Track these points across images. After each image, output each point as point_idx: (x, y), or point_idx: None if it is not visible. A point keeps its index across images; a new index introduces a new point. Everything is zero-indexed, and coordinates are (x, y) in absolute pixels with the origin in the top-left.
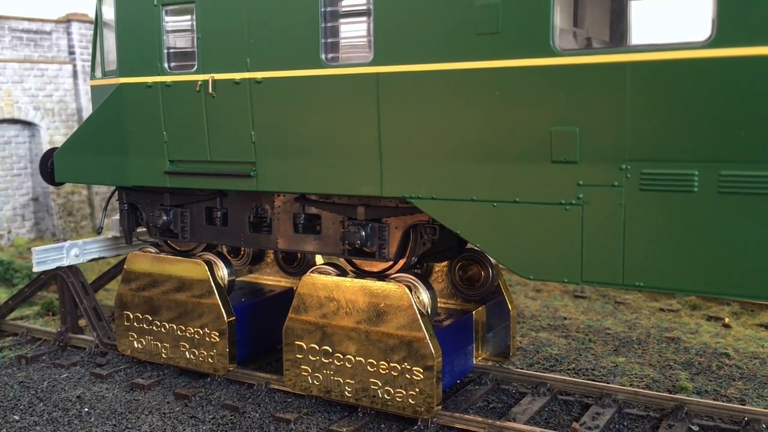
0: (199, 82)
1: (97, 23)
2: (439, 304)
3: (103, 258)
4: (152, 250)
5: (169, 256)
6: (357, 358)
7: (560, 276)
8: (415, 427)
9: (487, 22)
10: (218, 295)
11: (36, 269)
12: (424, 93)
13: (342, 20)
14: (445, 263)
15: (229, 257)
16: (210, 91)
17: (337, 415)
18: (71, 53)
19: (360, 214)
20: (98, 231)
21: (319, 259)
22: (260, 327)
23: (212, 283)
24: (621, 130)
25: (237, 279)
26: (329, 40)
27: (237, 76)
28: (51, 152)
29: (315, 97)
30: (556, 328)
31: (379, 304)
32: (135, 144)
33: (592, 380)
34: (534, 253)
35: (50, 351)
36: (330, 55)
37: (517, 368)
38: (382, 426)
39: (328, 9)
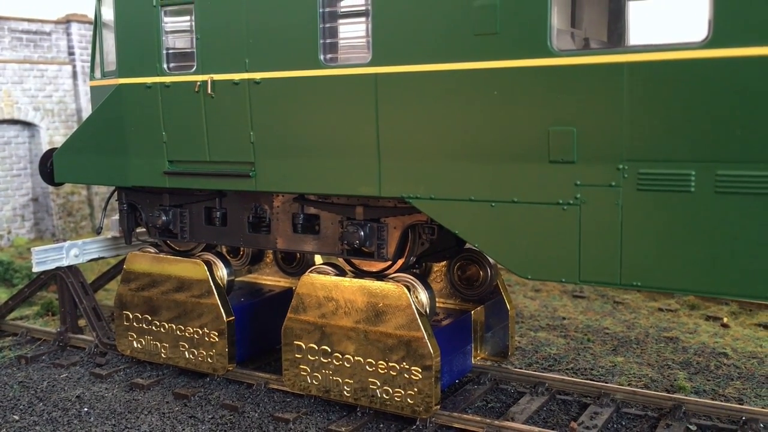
0: (198, 83)
1: (97, 24)
2: (437, 304)
3: (102, 258)
4: (152, 251)
5: (169, 257)
6: (356, 358)
7: (558, 276)
8: (414, 426)
9: (485, 23)
10: (217, 295)
11: (36, 269)
12: (422, 93)
13: (341, 21)
14: (444, 263)
15: (228, 257)
16: (209, 91)
17: (336, 414)
18: (71, 54)
19: (359, 214)
20: (98, 231)
21: (318, 259)
22: (259, 327)
23: (211, 283)
24: (618, 131)
25: (236, 279)
26: (328, 41)
27: (236, 76)
28: (50, 152)
29: (314, 98)
30: (554, 327)
31: (377, 303)
32: (134, 144)
33: (591, 380)
34: (532, 253)
35: (50, 351)
36: (329, 56)
37: (515, 368)
38: (381, 426)
39: (327, 10)
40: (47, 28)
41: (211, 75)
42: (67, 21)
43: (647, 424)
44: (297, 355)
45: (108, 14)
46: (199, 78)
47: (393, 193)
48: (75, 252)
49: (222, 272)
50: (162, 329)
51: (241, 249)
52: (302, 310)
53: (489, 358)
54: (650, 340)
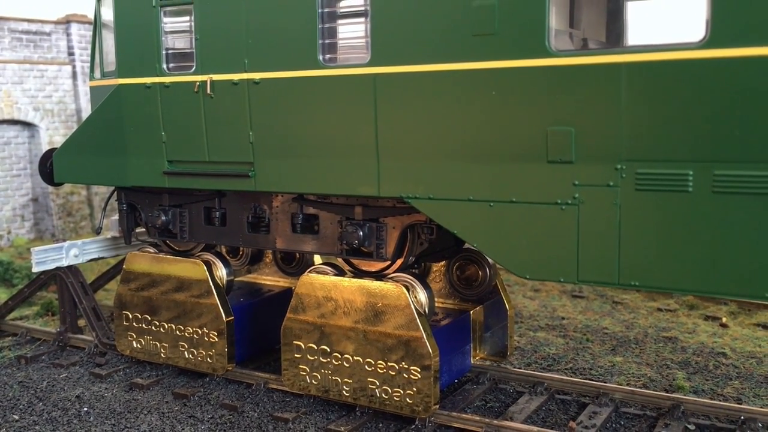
0: (198, 83)
1: (96, 24)
2: (436, 304)
3: (102, 258)
4: (151, 251)
5: (168, 257)
6: (355, 358)
7: (556, 275)
8: (413, 426)
9: (483, 23)
10: (217, 295)
11: (35, 269)
12: (421, 94)
13: (340, 21)
14: (443, 263)
15: (227, 257)
16: (208, 91)
17: (335, 414)
18: (71, 54)
19: (358, 214)
20: (97, 231)
21: (317, 259)
22: (259, 327)
23: (211, 283)
24: (616, 131)
25: (236, 279)
26: (327, 41)
27: (235, 76)
28: (50, 153)
29: (313, 98)
30: (554, 327)
31: (376, 303)
32: (134, 144)
33: (590, 380)
34: (530, 253)
35: (50, 351)
36: (328, 56)
37: (514, 368)
38: (380, 425)
39: (326, 10)
40: (47, 28)
41: (211, 75)
42: (66, 21)
43: (646, 424)
44: (296, 355)
45: (108, 15)
46: (199, 78)
47: (392, 193)
48: (75, 252)
49: (221, 272)
50: (161, 329)
51: (241, 249)
52: (301, 310)
53: (488, 357)
54: (649, 339)
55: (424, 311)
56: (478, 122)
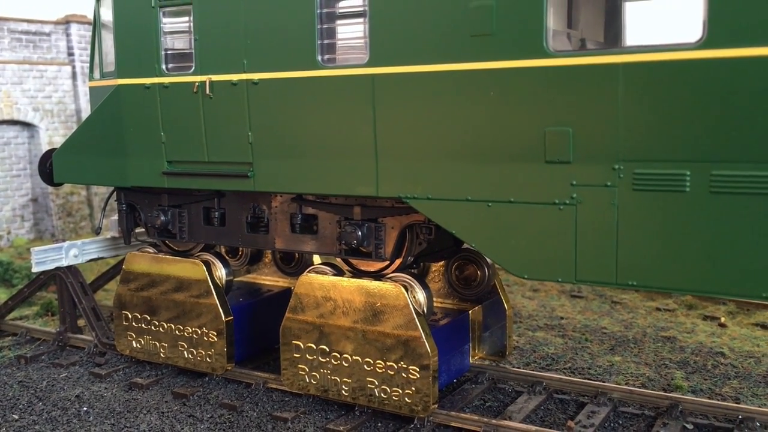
0: (197, 84)
1: (96, 25)
2: (435, 304)
3: (101, 258)
4: (151, 251)
5: (168, 257)
6: (354, 358)
7: (554, 275)
8: (412, 425)
9: (481, 24)
10: (216, 295)
11: (35, 269)
12: (419, 94)
13: (338, 22)
14: (442, 263)
15: (227, 257)
16: (207, 92)
17: (334, 413)
18: (70, 54)
19: (356, 214)
20: (97, 231)
21: (316, 259)
22: (258, 327)
23: (210, 283)
24: (614, 131)
25: (235, 279)
26: (325, 42)
27: (234, 77)
28: (50, 153)
29: (311, 98)
30: (552, 327)
31: (375, 303)
32: (133, 145)
33: (588, 379)
34: (529, 253)
35: (49, 351)
36: (326, 57)
37: (513, 367)
38: (379, 425)
39: (325, 11)
40: (47, 28)
41: (210, 76)
42: (66, 22)
43: (644, 423)
44: (295, 355)
45: (107, 15)
46: (198, 79)
47: (390, 193)
48: (74, 252)
49: (221, 272)
50: (161, 329)
51: (240, 249)
52: (300, 310)
53: (487, 357)
54: (648, 339)
55: (423, 311)
56: (476, 122)
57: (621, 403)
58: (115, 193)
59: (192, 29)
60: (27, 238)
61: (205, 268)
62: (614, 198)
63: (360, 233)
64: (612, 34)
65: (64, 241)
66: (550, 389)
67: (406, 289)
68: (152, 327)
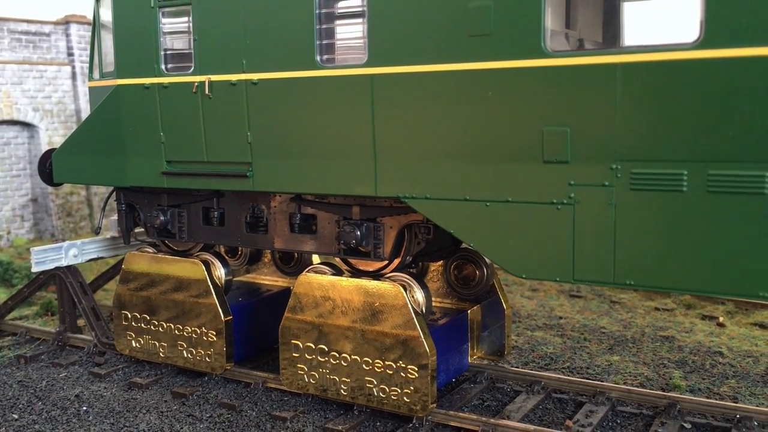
0: (196, 84)
1: (95, 25)
2: (434, 303)
3: (101, 258)
4: (150, 250)
5: (167, 256)
6: (353, 357)
7: (552, 275)
8: (410, 425)
9: (479, 24)
10: (215, 294)
11: (35, 269)
12: (417, 94)
13: (337, 22)
14: (441, 263)
15: (226, 257)
16: (206, 92)
17: (333, 413)
18: (70, 55)
19: (355, 213)
20: (97, 231)
21: (315, 259)
22: (257, 326)
23: (209, 283)
24: (611, 131)
25: (234, 279)
26: (324, 42)
27: (233, 77)
28: (49, 153)
29: (310, 98)
30: (551, 327)
31: (374, 303)
32: (132, 145)
33: (587, 378)
34: (526, 253)
35: (49, 350)
36: (325, 57)
37: (512, 367)
38: (378, 424)
39: (323, 11)
40: (46, 29)
41: (209, 76)
42: (66, 22)
43: (642, 423)
44: (294, 355)
45: (106, 15)
46: (197, 79)
47: (389, 192)
48: (74, 252)
49: (220, 272)
50: (160, 329)
51: (239, 249)
52: (300, 310)
53: (485, 357)
54: (646, 339)
55: (422, 310)
56: (475, 122)
57: (619, 403)
58: (114, 193)
59: (191, 29)
60: (27, 238)
61: (204, 267)
62: (612, 198)
63: (359, 233)
64: (610, 34)
65: (63, 241)
66: (549, 389)
67: (405, 289)
68: (152, 327)
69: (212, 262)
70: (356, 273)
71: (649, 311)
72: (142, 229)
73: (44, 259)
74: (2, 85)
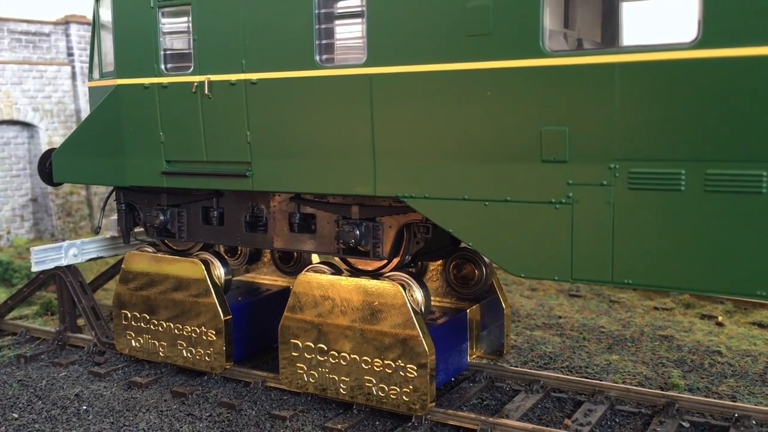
0: (196, 84)
1: (95, 25)
2: (433, 303)
3: (101, 258)
4: (150, 250)
5: (167, 256)
6: (352, 356)
7: (551, 274)
8: (410, 423)
9: (478, 24)
10: (215, 294)
11: (35, 269)
12: (416, 94)
13: (336, 22)
14: (440, 262)
15: (225, 257)
16: (206, 92)
17: (333, 412)
18: (70, 55)
19: (354, 213)
20: (96, 231)
21: (315, 258)
22: (257, 326)
23: (209, 283)
24: (610, 130)
25: (234, 278)
26: (323, 42)
27: (233, 77)
28: (49, 153)
29: (310, 98)
30: (550, 326)
31: (373, 302)
32: (132, 144)
33: (586, 378)
34: (525, 252)
35: (49, 350)
36: (324, 57)
37: (511, 366)
38: (377, 423)
39: (323, 11)
40: (46, 29)
41: (208, 76)
42: (66, 22)
43: (641, 421)
44: (294, 354)
45: (106, 15)
46: (197, 79)
47: (388, 192)
48: (74, 252)
49: (219, 271)
50: (160, 328)
51: (239, 248)
52: (299, 309)
53: (484, 356)
54: (645, 338)
55: (421, 310)
56: (473, 122)
57: (618, 402)
58: (114, 192)
59: (191, 29)
60: (27, 238)
61: (204, 267)
62: (610, 197)
63: (358, 232)
64: (608, 34)
65: (63, 240)
66: (548, 388)
67: (404, 288)
68: (151, 326)
69: (212, 261)
70: (355, 272)
71: (648, 310)
72: (142, 229)
73: (44, 258)
74: (2, 85)
